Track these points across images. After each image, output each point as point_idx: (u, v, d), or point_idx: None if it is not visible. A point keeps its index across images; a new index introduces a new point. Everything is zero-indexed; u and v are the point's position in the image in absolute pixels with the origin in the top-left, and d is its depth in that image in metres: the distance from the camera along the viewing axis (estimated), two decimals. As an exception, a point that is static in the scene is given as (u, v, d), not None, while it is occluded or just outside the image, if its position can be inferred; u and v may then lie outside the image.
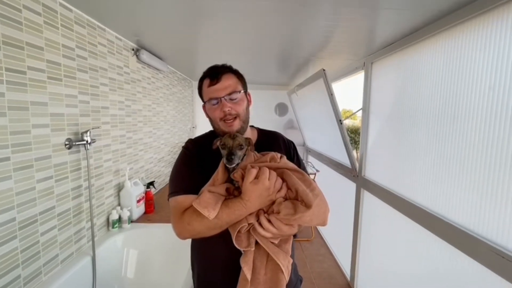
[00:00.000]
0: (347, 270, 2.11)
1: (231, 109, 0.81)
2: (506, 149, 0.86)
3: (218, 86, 0.82)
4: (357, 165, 1.96)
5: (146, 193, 1.99)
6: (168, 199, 0.81)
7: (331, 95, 1.96)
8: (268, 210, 0.74)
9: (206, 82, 0.85)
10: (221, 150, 0.78)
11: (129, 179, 1.81)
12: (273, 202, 0.75)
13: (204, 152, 0.84)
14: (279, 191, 0.74)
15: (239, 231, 0.73)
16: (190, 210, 0.73)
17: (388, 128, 1.58)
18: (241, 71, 0.90)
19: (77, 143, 1.30)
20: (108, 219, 1.66)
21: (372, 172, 1.79)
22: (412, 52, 1.35)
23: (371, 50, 1.72)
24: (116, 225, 1.67)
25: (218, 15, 1.28)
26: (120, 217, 1.70)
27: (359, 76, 2.07)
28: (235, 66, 0.90)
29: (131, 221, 1.77)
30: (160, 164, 2.59)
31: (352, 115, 2.69)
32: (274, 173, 0.74)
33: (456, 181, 1.06)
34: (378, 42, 1.54)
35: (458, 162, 1.05)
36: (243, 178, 0.74)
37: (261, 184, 0.71)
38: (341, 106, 2.02)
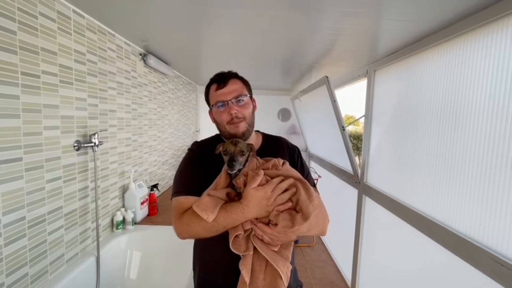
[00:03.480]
0: (348, 277, 2.10)
1: (237, 112, 0.83)
2: (506, 157, 0.88)
3: (225, 90, 0.85)
4: (359, 171, 1.97)
5: (150, 195, 2.01)
6: (171, 199, 0.83)
7: (334, 101, 1.99)
8: (263, 220, 0.74)
9: (214, 87, 0.87)
10: (223, 156, 0.79)
11: (133, 181, 1.84)
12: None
13: (209, 155, 0.85)
14: (281, 204, 0.73)
15: (236, 236, 0.74)
16: (190, 211, 0.75)
17: (390, 135, 1.60)
18: (245, 76, 0.93)
19: (85, 145, 1.33)
20: (112, 220, 1.68)
21: (374, 179, 1.80)
22: (415, 61, 1.38)
23: (374, 58, 1.75)
24: (120, 226, 1.69)
25: (223, 22, 1.32)
26: (124, 219, 1.72)
27: (362, 83, 2.09)
28: (239, 71, 0.93)
29: (134, 222, 1.79)
30: (164, 166, 2.62)
31: (354, 121, 2.71)
32: (280, 187, 0.73)
33: (457, 188, 1.08)
34: (381, 51, 1.57)
35: (459, 170, 1.07)
36: (245, 185, 0.74)
37: (263, 192, 0.71)
38: (343, 112, 2.04)
